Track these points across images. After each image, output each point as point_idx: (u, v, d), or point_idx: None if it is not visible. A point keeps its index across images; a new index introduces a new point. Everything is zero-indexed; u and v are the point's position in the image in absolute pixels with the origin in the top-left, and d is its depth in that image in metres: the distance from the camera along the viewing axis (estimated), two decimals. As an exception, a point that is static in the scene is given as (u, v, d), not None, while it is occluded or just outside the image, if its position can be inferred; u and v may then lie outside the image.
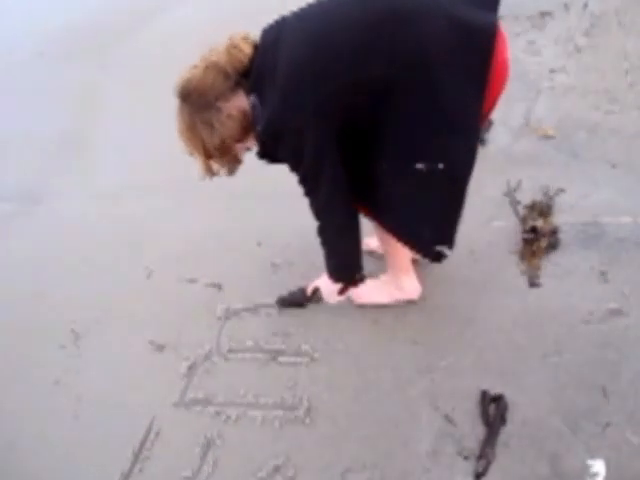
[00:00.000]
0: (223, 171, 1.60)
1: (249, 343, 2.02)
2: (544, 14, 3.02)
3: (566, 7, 3.06)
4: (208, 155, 1.53)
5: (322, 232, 1.69)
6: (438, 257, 1.68)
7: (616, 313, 1.87)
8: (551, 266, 2.02)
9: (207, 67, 1.47)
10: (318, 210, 1.64)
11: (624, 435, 1.58)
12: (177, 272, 2.32)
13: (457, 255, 2.11)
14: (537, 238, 2.06)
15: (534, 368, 1.79)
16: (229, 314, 2.11)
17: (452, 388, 1.79)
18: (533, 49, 2.84)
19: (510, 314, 1.93)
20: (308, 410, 1.80)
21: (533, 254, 2.03)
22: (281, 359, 1.95)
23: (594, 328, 1.84)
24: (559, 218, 2.13)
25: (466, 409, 1.73)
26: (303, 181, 1.58)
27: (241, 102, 1.49)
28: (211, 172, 1.58)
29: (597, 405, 1.67)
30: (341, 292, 1.91)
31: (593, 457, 1.55)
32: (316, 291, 2.02)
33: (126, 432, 1.87)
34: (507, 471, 1.57)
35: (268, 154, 1.61)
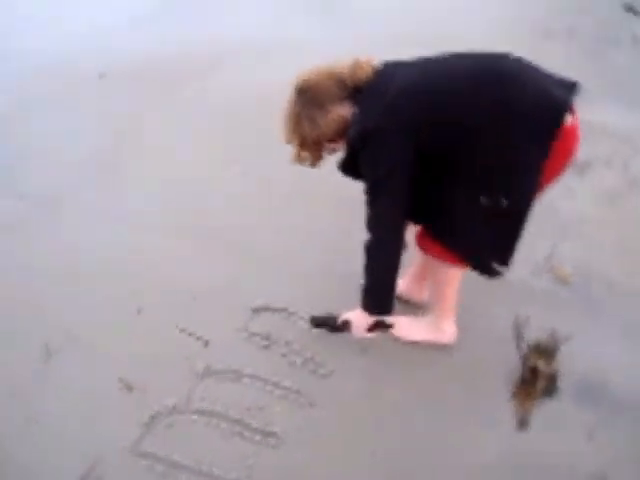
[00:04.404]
0: (308, 162, 1.84)
1: (219, 409, 1.93)
2: (586, 163, 3.08)
3: (607, 163, 3.12)
4: (303, 145, 1.78)
5: (367, 245, 1.81)
6: (495, 274, 1.83)
7: (595, 476, 1.79)
8: (543, 412, 1.95)
9: (329, 75, 1.75)
10: (371, 220, 1.78)
11: None
12: (167, 317, 2.26)
13: (450, 375, 2.06)
14: (535, 380, 2.00)
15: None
16: (207, 373, 2.04)
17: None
18: (569, 194, 2.87)
19: (493, 451, 1.85)
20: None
21: (528, 395, 1.96)
22: (247, 434, 1.86)
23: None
24: (561, 365, 2.07)
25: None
26: (370, 189, 1.75)
27: (346, 111, 1.74)
28: (300, 160, 1.83)
29: None
30: (370, 329, 1.99)
31: None
32: (346, 323, 2.00)
33: (68, 465, 1.78)
34: None
35: (349, 161, 1.83)
